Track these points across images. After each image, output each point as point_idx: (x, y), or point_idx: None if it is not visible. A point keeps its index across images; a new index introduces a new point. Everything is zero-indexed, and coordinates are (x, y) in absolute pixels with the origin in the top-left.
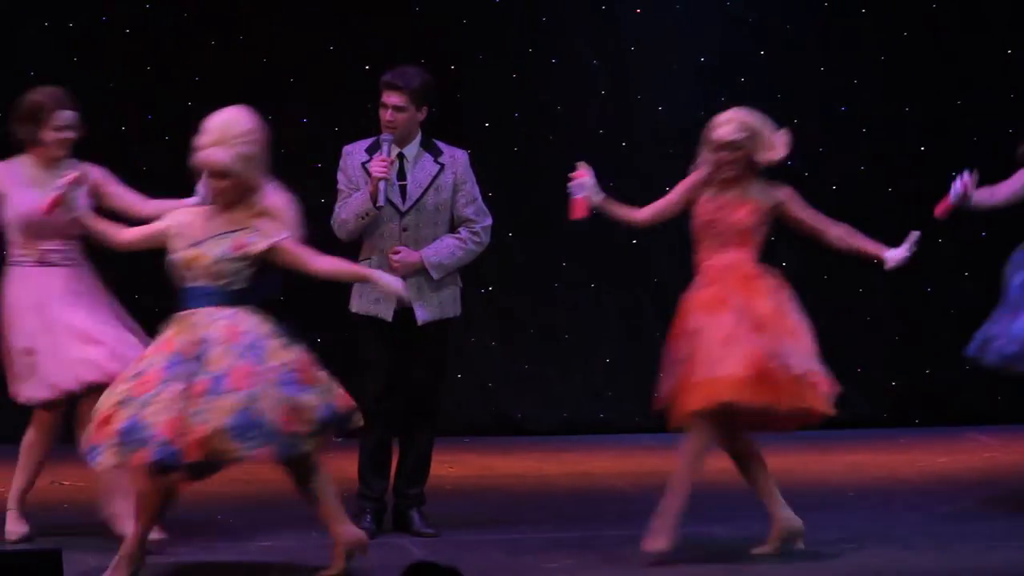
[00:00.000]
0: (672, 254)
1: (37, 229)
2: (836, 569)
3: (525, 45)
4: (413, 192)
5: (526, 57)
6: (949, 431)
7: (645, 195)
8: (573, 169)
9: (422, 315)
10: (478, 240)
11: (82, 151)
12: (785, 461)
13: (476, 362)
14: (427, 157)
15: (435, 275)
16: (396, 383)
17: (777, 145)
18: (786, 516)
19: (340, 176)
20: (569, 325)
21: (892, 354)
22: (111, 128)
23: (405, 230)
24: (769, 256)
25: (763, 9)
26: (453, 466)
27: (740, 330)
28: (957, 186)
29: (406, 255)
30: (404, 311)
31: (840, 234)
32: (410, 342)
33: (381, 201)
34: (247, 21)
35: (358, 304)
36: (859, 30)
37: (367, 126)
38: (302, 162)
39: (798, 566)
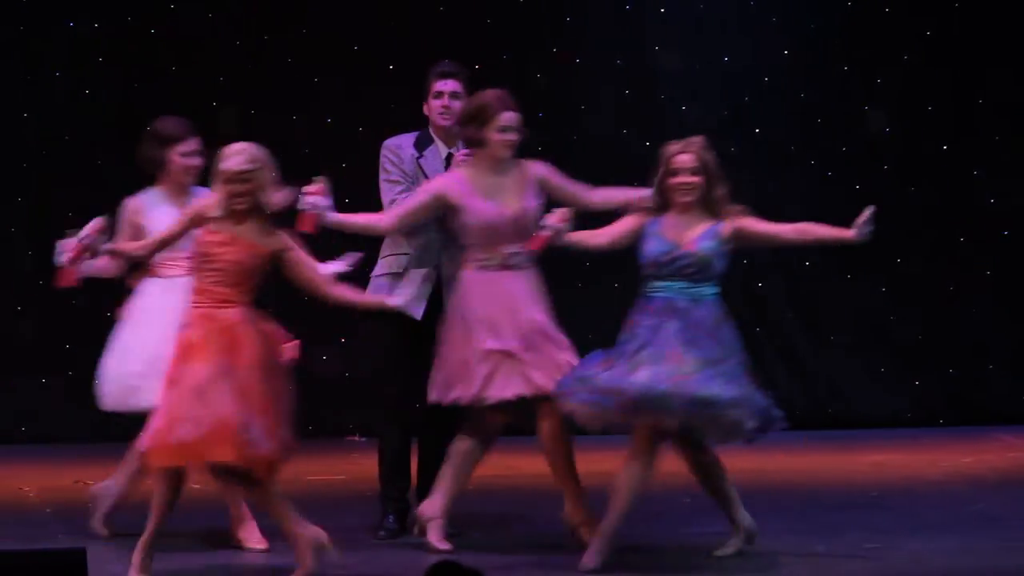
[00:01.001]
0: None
1: (499, 235)
2: (860, 569)
3: (550, 45)
4: None
5: (551, 57)
6: (973, 431)
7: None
8: (595, 169)
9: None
10: None
11: (109, 152)
12: (809, 461)
13: None
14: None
15: None
16: (418, 384)
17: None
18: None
19: (391, 168)
20: (592, 326)
21: (916, 354)
22: (135, 129)
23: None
24: (795, 254)
25: (786, 9)
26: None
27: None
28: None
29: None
30: (430, 310)
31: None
32: (434, 342)
33: None
34: (272, 21)
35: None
36: (882, 30)
37: (391, 126)
38: (326, 162)
39: (820, 565)
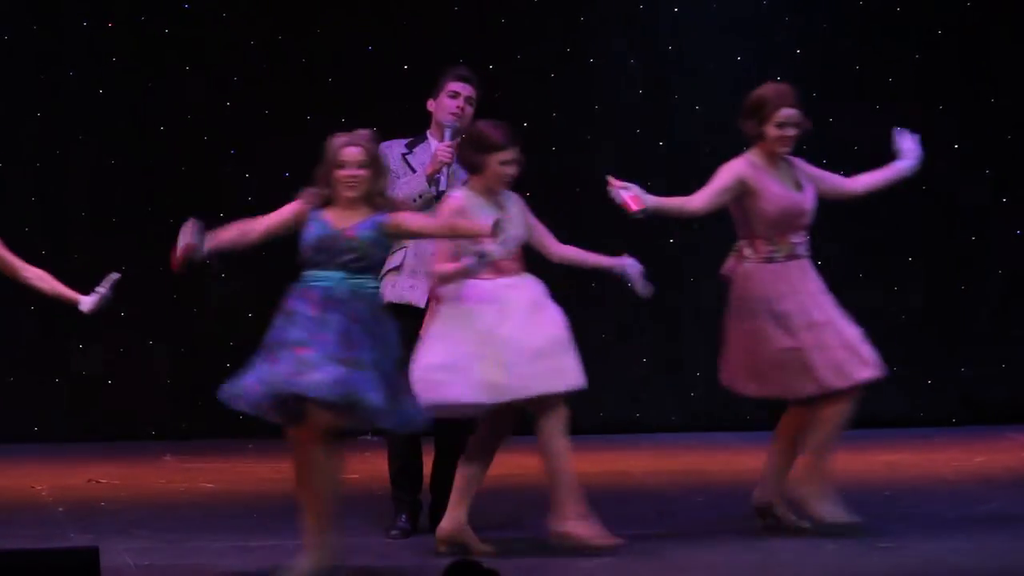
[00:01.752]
0: (705, 255)
1: (788, 223)
2: (872, 568)
3: (563, 45)
4: (457, 182)
5: (564, 57)
6: (986, 430)
7: (683, 194)
8: (609, 169)
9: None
10: None
11: (123, 151)
12: None
13: None
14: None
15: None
16: None
17: None
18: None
19: None
20: (606, 325)
21: (929, 353)
22: (149, 129)
23: None
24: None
25: (799, 8)
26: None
27: None
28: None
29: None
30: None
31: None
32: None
33: (443, 185)
34: (286, 21)
35: (389, 293)
36: (895, 28)
37: (406, 126)
38: None
39: (831, 564)
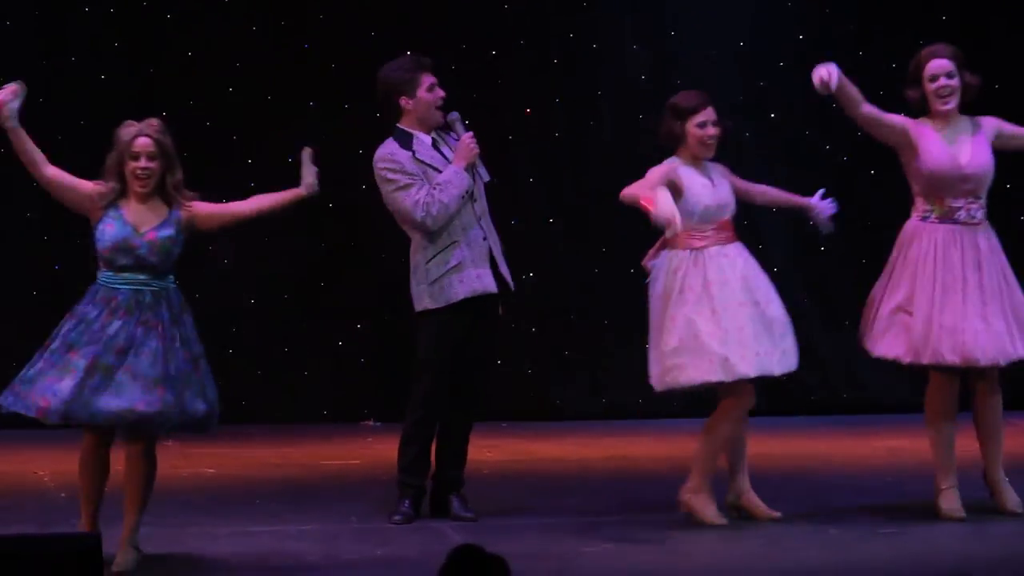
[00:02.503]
0: None
1: (946, 185)
2: (874, 553)
3: (566, 31)
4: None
5: (567, 43)
6: None
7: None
8: (611, 153)
9: (512, 283)
10: None
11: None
12: (824, 446)
13: (516, 348)
14: (451, 137)
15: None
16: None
17: None
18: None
19: (393, 175)
20: (609, 311)
21: None
22: (151, 114)
23: (476, 201)
24: (811, 240)
25: None
26: (492, 451)
27: None
28: None
29: None
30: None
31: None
32: (480, 322)
33: (484, 176)
34: (289, 7)
35: (460, 290)
36: (897, 15)
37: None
38: (343, 148)
39: (835, 551)
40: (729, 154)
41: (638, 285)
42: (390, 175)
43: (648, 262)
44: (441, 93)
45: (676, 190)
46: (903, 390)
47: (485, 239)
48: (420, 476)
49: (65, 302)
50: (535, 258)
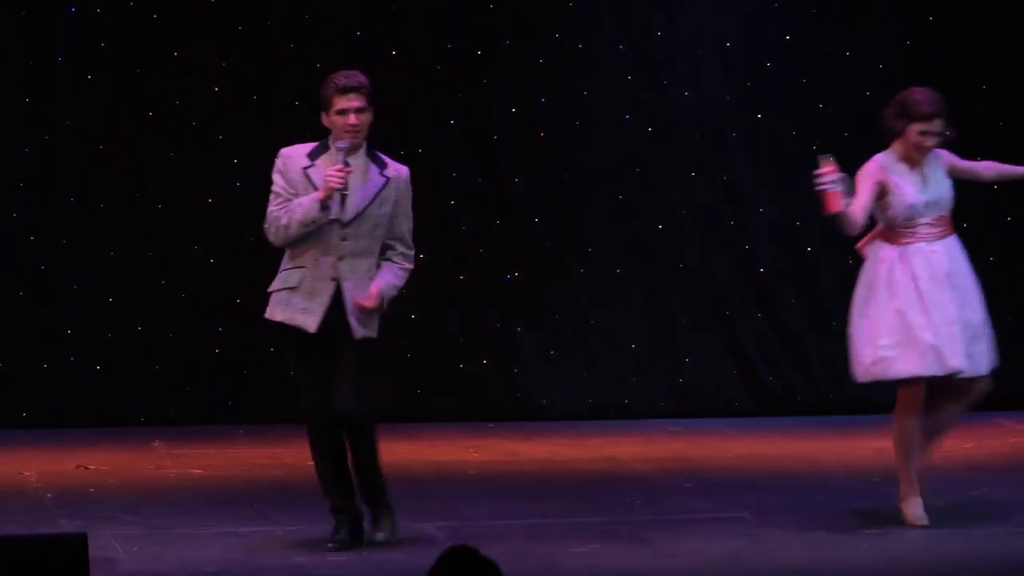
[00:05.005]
0: (698, 241)
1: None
2: (860, 555)
3: (552, 30)
4: (359, 203)
5: (553, 43)
6: (974, 416)
7: (672, 180)
8: (598, 153)
9: (360, 332)
10: (410, 266)
11: (112, 138)
12: (810, 447)
13: (502, 347)
14: (373, 168)
15: (385, 303)
16: (329, 396)
17: None
18: None
19: (277, 177)
20: (595, 310)
21: None
22: (138, 114)
23: (344, 240)
24: (798, 239)
25: None
26: (478, 451)
27: None
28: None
29: (373, 297)
30: (329, 323)
31: None
32: (336, 355)
33: (334, 213)
34: (275, 7)
35: (281, 312)
36: (884, 14)
37: (393, 112)
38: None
39: (821, 552)
40: (720, 153)
41: (624, 284)
42: (275, 174)
43: (862, 245)
44: (352, 120)
45: (883, 190)
46: (889, 391)
47: (334, 279)
48: (341, 501)
49: (52, 301)
50: (521, 257)
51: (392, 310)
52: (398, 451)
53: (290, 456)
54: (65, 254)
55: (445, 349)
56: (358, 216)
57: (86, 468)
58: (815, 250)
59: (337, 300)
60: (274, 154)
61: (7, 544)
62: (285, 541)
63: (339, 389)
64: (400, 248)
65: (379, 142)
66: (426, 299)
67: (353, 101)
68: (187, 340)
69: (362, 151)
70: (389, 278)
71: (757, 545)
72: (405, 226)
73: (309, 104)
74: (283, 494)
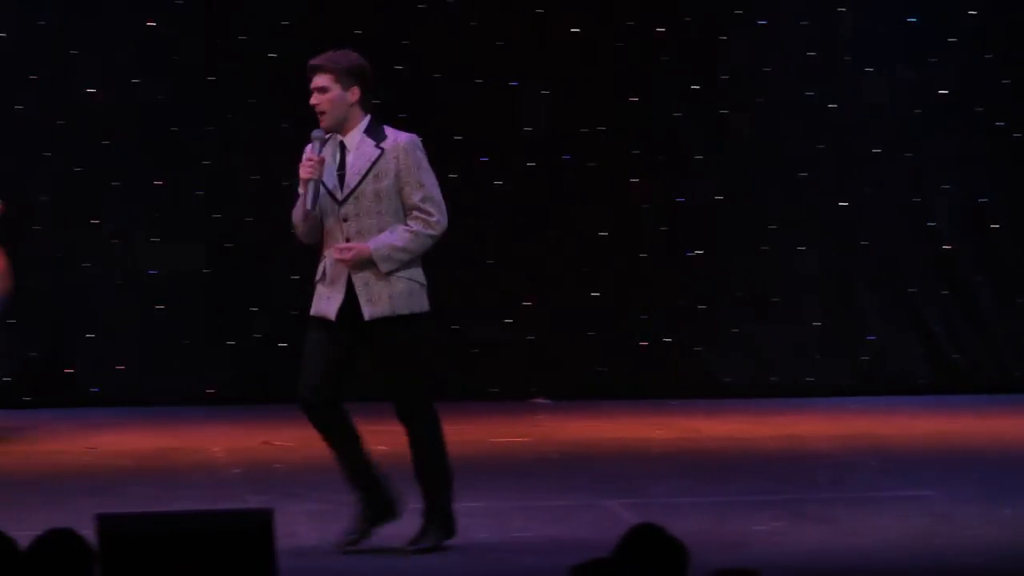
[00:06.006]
0: (882, 218)
1: None
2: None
3: (734, 7)
4: (351, 180)
5: (735, 19)
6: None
7: (855, 157)
8: (784, 133)
9: (368, 311)
10: (430, 231)
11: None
12: (998, 424)
13: (685, 325)
14: (368, 143)
15: (382, 268)
16: (334, 382)
17: None
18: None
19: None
20: (779, 288)
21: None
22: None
23: (345, 220)
24: (984, 216)
25: None
26: (661, 429)
27: None
28: None
29: (355, 248)
30: (351, 309)
31: None
32: (358, 341)
33: (309, 204)
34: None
35: (314, 306)
36: None
37: (575, 90)
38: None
39: (1006, 530)
40: (903, 130)
41: (807, 261)
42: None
43: None
44: (312, 101)
45: None
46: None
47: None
48: (355, 485)
49: (237, 280)
50: (704, 234)
51: (428, 278)
52: (582, 428)
53: (471, 433)
54: (250, 233)
55: (628, 327)
56: (352, 195)
57: (272, 444)
58: (1002, 226)
59: (352, 284)
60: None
61: (195, 519)
62: (468, 517)
63: (388, 386)
64: (416, 214)
65: (564, 118)
66: (609, 277)
67: (313, 82)
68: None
69: (359, 128)
70: (385, 239)
71: (943, 524)
72: (416, 195)
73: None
74: (465, 471)
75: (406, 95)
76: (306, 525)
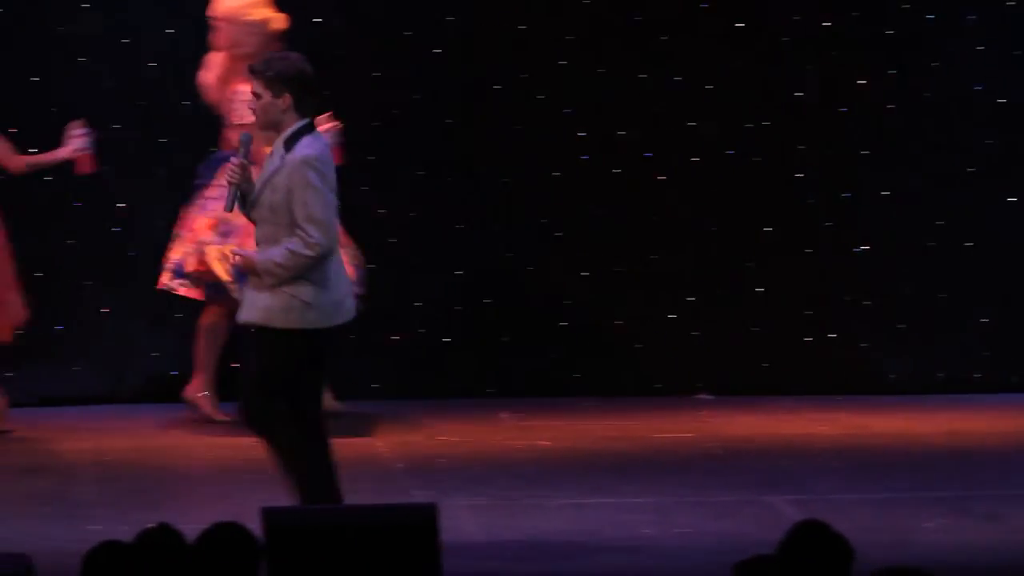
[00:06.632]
0: None
1: None
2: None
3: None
4: (257, 187)
5: (899, 13)
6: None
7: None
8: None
9: (242, 315)
10: (306, 251)
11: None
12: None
13: (850, 321)
14: (279, 153)
15: (264, 281)
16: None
17: None
18: None
19: None
20: (944, 283)
21: None
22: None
23: (255, 224)
24: None
25: None
26: (826, 425)
27: None
28: None
29: (244, 257)
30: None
31: None
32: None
33: (227, 207)
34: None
35: None
36: None
37: (739, 85)
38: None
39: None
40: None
41: (972, 258)
42: None
43: None
44: (248, 104)
45: None
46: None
47: None
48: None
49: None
50: (868, 229)
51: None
52: (746, 424)
53: (635, 428)
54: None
55: (792, 323)
56: (256, 203)
57: (436, 438)
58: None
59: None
60: None
61: (359, 513)
62: (631, 513)
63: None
64: (298, 232)
65: (728, 113)
66: (773, 272)
67: (252, 85)
68: (532, 313)
69: (286, 135)
70: (271, 253)
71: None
72: (299, 213)
73: None
74: (628, 466)
75: (570, 90)
76: (471, 520)
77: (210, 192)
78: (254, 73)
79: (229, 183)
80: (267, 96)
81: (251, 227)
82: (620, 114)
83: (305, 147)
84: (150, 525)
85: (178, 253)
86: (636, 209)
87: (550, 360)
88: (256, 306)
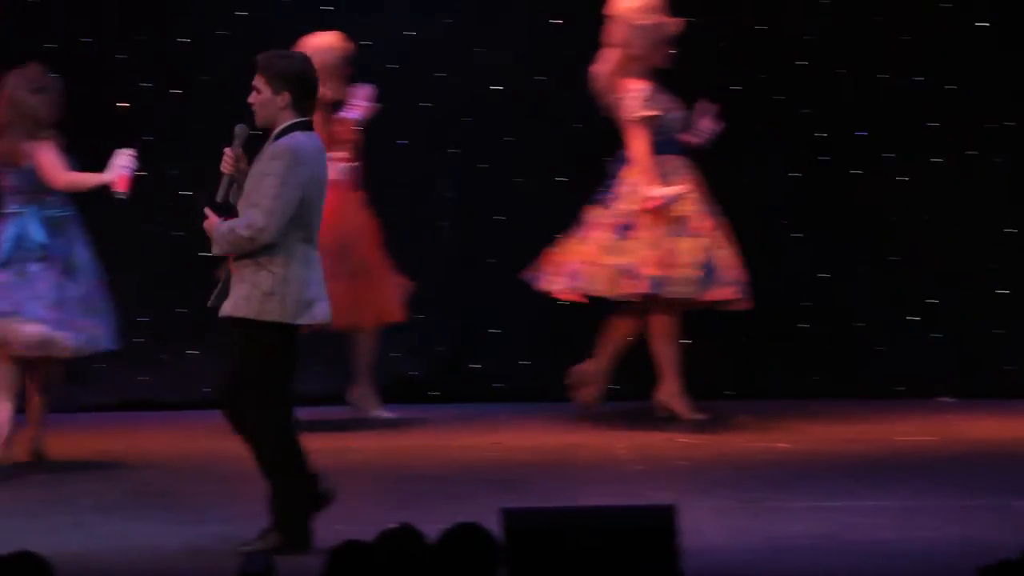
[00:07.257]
0: None
1: None
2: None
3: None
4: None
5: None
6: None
7: None
8: None
9: (222, 308)
10: (244, 232)
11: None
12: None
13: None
14: (271, 146)
15: (214, 248)
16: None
17: None
18: None
19: None
20: (997, 281)
21: None
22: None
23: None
24: None
25: None
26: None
27: None
28: None
29: (211, 220)
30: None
31: None
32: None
33: (219, 197)
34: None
35: None
36: None
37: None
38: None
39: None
40: None
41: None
42: None
43: None
44: (248, 98)
45: None
46: None
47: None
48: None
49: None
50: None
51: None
52: (991, 428)
53: (876, 432)
54: None
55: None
56: (240, 192)
57: (676, 440)
58: None
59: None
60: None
61: (598, 515)
62: (873, 516)
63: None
64: (246, 212)
65: (969, 113)
66: (1014, 274)
67: (254, 80)
68: (774, 315)
69: (277, 131)
70: (227, 223)
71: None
72: (254, 196)
73: None
74: (870, 469)
75: (807, 91)
76: (713, 522)
77: (611, 193)
78: (257, 67)
79: (223, 173)
80: (267, 92)
81: (646, 219)
82: (859, 115)
83: (288, 140)
84: (391, 525)
85: (573, 256)
86: (876, 210)
87: (789, 362)
88: (230, 299)
